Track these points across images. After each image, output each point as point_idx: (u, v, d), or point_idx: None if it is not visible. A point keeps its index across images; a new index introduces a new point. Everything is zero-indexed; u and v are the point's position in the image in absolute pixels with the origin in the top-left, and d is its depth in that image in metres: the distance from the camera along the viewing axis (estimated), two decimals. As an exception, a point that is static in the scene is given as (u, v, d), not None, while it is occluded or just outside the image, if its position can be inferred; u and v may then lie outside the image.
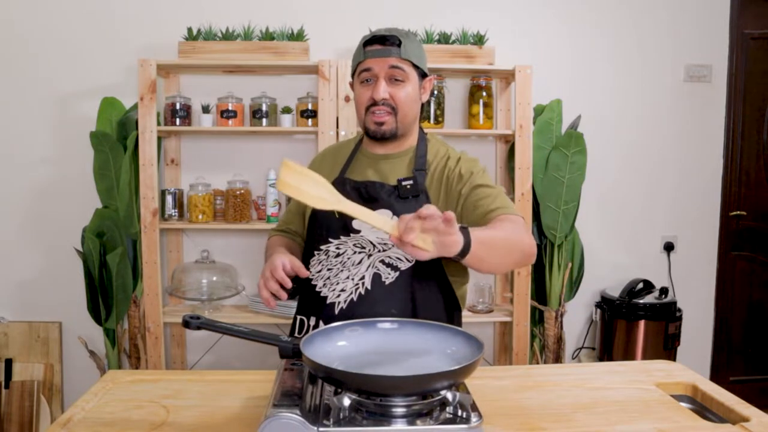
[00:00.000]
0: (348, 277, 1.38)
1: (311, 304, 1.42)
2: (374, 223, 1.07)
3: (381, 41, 1.40)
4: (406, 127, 1.45)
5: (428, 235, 1.04)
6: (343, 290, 1.38)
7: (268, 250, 1.57)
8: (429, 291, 1.41)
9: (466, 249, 1.11)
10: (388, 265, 1.38)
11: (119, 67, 2.74)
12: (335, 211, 1.38)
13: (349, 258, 1.39)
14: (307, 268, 1.44)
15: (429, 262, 1.36)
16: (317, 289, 1.41)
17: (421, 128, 1.53)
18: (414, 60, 1.41)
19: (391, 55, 1.39)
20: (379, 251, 1.38)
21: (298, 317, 1.47)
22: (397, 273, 1.37)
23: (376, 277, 1.37)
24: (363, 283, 1.37)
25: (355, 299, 1.36)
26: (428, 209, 1.02)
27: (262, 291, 1.34)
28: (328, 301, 1.38)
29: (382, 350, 1.14)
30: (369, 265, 1.38)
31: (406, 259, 1.38)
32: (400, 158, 1.47)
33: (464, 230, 1.12)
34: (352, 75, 1.48)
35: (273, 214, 2.65)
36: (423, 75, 1.46)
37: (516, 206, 2.56)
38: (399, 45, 1.39)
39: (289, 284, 1.32)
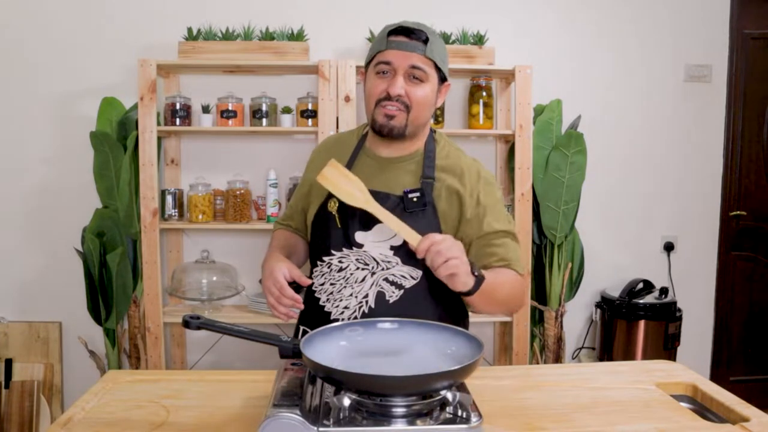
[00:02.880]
0: (351, 295, 1.36)
1: (315, 316, 1.38)
2: (398, 230, 1.21)
3: (406, 33, 1.31)
4: (416, 129, 1.37)
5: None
6: (346, 307, 1.36)
7: (272, 244, 1.54)
8: (435, 306, 1.38)
9: (469, 293, 1.23)
10: (393, 283, 1.35)
11: (119, 67, 2.74)
12: (335, 217, 1.38)
13: (352, 274, 1.36)
14: (311, 278, 1.42)
15: (435, 278, 1.34)
16: (321, 303, 1.39)
17: (430, 127, 1.45)
18: (437, 61, 1.33)
19: (416, 51, 1.30)
20: (383, 269, 1.35)
21: (301, 327, 1.44)
22: (402, 291, 1.35)
23: (380, 296, 1.35)
24: (367, 302, 1.35)
25: (358, 317, 1.34)
26: (450, 251, 1.17)
27: (278, 308, 1.33)
28: (332, 317, 1.36)
29: (382, 350, 1.14)
30: (373, 284, 1.35)
31: (411, 277, 1.35)
32: (407, 162, 1.40)
33: (478, 279, 1.23)
34: (368, 63, 1.37)
35: (273, 214, 2.65)
36: (443, 79, 1.37)
37: (516, 206, 2.59)
38: (425, 42, 1.30)
39: (300, 300, 1.33)
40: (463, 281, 1.19)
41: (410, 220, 1.33)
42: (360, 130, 1.51)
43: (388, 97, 1.32)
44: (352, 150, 1.45)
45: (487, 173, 1.43)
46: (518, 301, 1.41)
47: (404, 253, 1.34)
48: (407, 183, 1.38)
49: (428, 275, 1.35)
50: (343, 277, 1.37)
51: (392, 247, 1.35)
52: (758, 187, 3.09)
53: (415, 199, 1.33)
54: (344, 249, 1.37)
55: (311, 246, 1.47)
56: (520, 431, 1.07)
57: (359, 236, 1.36)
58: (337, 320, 1.35)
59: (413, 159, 1.41)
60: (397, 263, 1.35)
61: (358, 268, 1.36)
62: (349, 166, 1.42)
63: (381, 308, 1.34)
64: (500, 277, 1.33)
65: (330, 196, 1.40)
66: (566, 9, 2.89)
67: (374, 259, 1.35)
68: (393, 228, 1.23)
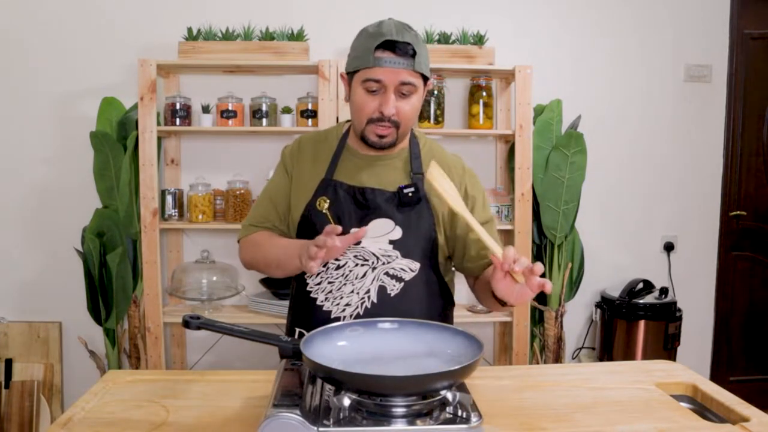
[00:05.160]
0: (352, 291, 1.36)
1: (313, 318, 1.37)
2: (488, 242, 1.15)
3: (392, 48, 1.28)
4: (404, 137, 1.40)
5: (520, 276, 1.11)
6: (348, 304, 1.35)
7: (274, 242, 1.42)
8: (431, 297, 1.41)
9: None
10: (393, 276, 1.36)
11: (119, 67, 2.74)
12: (327, 216, 1.36)
13: (351, 271, 1.36)
14: (304, 280, 1.40)
15: (430, 269, 1.40)
16: (319, 302, 1.38)
17: None
18: (424, 71, 1.33)
19: (405, 67, 1.29)
20: (383, 263, 1.36)
21: (297, 330, 1.41)
22: (402, 284, 1.36)
23: (382, 290, 1.35)
24: (369, 297, 1.35)
25: (361, 313, 1.34)
26: (540, 267, 1.09)
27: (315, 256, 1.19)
28: (332, 316, 1.36)
29: (382, 350, 1.14)
30: (374, 278, 1.35)
31: (410, 270, 1.37)
32: (394, 159, 1.42)
33: None
34: (352, 72, 1.34)
35: (273, 214, 2.65)
36: (425, 79, 1.38)
37: (516, 206, 2.59)
38: (413, 56, 1.29)
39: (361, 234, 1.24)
40: (529, 295, 1.15)
41: (404, 214, 1.36)
42: (338, 129, 1.50)
43: (380, 118, 1.32)
44: (334, 149, 1.45)
45: (469, 167, 1.48)
46: None
47: (404, 246, 1.36)
48: (397, 179, 1.40)
49: (425, 267, 1.38)
50: (342, 275, 1.36)
51: (391, 241, 1.36)
52: (758, 187, 3.09)
53: (410, 194, 1.36)
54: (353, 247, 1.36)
55: None
56: (520, 431, 1.07)
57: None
58: (338, 318, 1.35)
59: (399, 156, 1.43)
60: (397, 257, 1.36)
61: (357, 265, 1.36)
62: (334, 163, 1.42)
63: (383, 302, 1.35)
64: None
65: (318, 195, 1.40)
66: (566, 9, 2.90)
67: (374, 255, 1.36)
68: (483, 239, 1.15)
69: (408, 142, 1.44)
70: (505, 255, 1.11)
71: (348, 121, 1.49)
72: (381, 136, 1.35)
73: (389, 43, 1.29)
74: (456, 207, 1.19)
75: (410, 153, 1.43)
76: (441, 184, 1.20)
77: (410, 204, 1.36)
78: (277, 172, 1.52)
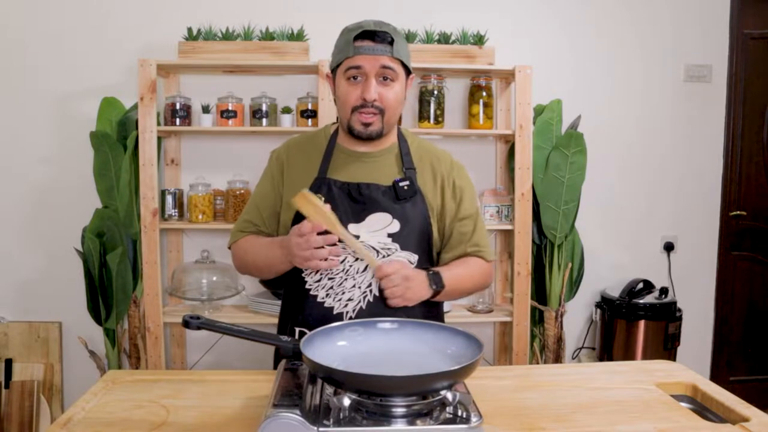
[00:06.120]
0: (354, 286, 1.37)
1: (314, 315, 1.37)
2: (361, 254, 1.29)
3: (371, 37, 1.35)
4: (390, 127, 1.43)
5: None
6: (350, 299, 1.36)
7: (263, 242, 1.45)
8: None
9: (434, 295, 1.38)
10: None
11: (119, 67, 2.74)
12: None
13: (351, 266, 1.37)
14: (302, 278, 1.40)
15: (426, 261, 1.44)
16: (320, 299, 1.38)
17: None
18: (404, 59, 1.38)
19: (384, 53, 1.34)
20: (384, 256, 1.37)
21: (297, 329, 1.41)
22: None
23: None
24: (371, 290, 1.36)
25: (363, 307, 1.36)
26: (390, 269, 1.29)
27: (316, 256, 1.30)
28: (335, 312, 1.36)
29: (382, 350, 1.14)
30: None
31: (409, 262, 1.38)
32: (385, 155, 1.45)
33: (437, 276, 1.37)
34: (335, 68, 1.41)
35: (273, 214, 2.65)
36: (408, 72, 1.42)
37: (516, 206, 2.59)
38: (391, 43, 1.35)
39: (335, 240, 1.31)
40: (415, 300, 1.34)
41: (401, 207, 1.39)
42: (326, 130, 1.52)
43: (364, 104, 1.36)
44: (324, 148, 1.47)
45: (456, 160, 1.53)
46: (483, 286, 1.54)
47: (402, 238, 1.38)
48: (389, 174, 1.42)
49: (422, 259, 1.42)
50: (343, 270, 1.37)
51: (389, 235, 1.38)
52: (758, 187, 3.09)
53: (406, 188, 1.40)
54: (338, 243, 1.36)
55: None
56: (520, 431, 1.07)
57: (352, 228, 1.38)
58: (341, 314, 1.36)
59: (390, 152, 1.46)
60: (396, 249, 1.38)
61: (357, 260, 1.37)
62: (326, 161, 1.45)
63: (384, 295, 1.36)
64: (468, 270, 1.44)
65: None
66: (566, 9, 2.90)
67: (373, 248, 1.37)
68: (357, 249, 1.31)
69: (396, 139, 1.48)
70: (382, 273, 1.29)
71: (335, 123, 1.52)
72: (366, 124, 1.38)
73: (368, 33, 1.35)
74: (324, 224, 1.28)
75: (400, 149, 1.46)
76: (307, 209, 1.29)
77: (406, 197, 1.39)
78: (264, 178, 1.55)
